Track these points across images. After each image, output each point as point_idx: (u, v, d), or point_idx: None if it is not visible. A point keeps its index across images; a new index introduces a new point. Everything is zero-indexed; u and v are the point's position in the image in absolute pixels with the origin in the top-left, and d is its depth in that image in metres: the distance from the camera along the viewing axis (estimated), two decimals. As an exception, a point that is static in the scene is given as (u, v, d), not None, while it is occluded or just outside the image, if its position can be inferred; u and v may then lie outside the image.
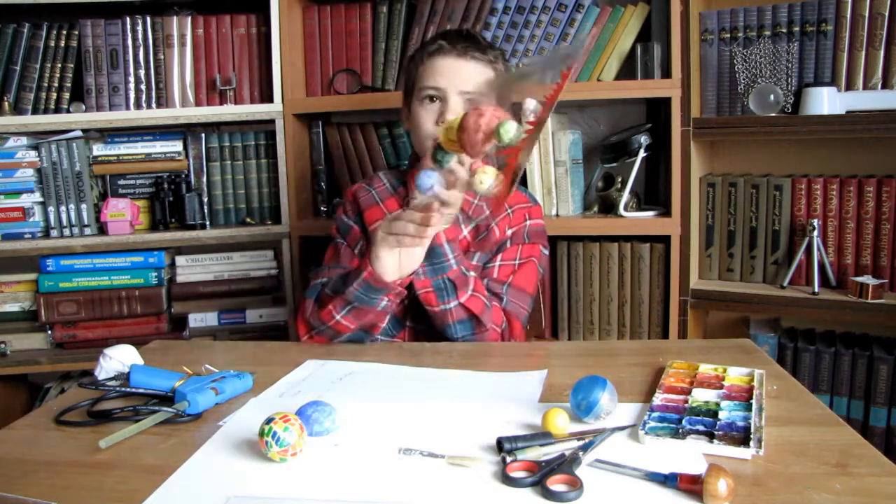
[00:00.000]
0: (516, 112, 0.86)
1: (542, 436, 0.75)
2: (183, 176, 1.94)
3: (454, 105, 1.22)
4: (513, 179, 0.86)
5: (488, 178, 0.88)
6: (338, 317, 1.16)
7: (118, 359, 1.01)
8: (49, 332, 1.93)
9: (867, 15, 1.54)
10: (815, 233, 1.60)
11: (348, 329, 1.17)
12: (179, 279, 1.95)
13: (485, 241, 1.29)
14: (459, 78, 1.23)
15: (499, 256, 1.29)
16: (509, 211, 1.31)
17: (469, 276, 1.19)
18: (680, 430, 0.76)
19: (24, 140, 1.88)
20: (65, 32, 1.88)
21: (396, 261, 1.12)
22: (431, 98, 1.24)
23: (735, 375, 0.93)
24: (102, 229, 1.91)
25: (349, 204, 1.37)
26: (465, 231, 1.29)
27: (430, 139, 1.22)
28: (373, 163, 1.87)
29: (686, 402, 0.84)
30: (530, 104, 0.96)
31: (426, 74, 1.25)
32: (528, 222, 1.33)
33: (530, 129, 0.83)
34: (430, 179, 0.95)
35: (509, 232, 1.31)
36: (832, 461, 0.69)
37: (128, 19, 1.88)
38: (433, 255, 1.17)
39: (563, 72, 0.84)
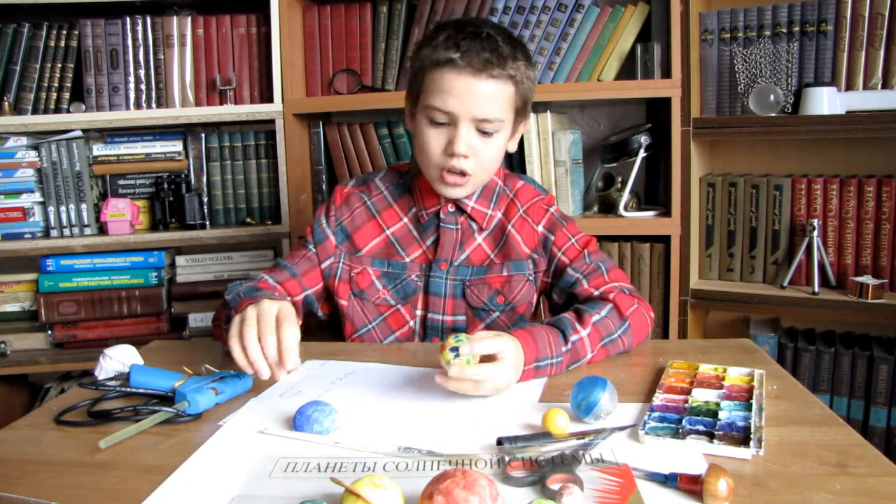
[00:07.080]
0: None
1: (542, 436, 0.75)
2: (183, 176, 1.94)
3: (464, 134, 1.07)
4: None
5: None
6: (224, 326, 1.04)
7: (118, 359, 1.01)
8: (49, 332, 1.93)
9: (867, 15, 1.54)
10: (815, 233, 1.60)
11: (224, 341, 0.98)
12: (179, 279, 1.95)
13: (507, 248, 1.19)
14: (473, 102, 1.05)
15: (557, 252, 1.19)
16: (521, 211, 1.20)
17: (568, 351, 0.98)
18: (680, 430, 0.76)
19: (24, 140, 1.88)
20: (65, 32, 1.88)
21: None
22: (439, 122, 1.08)
23: (735, 375, 0.93)
24: (102, 229, 1.91)
25: (335, 209, 1.23)
26: (480, 239, 1.20)
27: (435, 168, 1.11)
28: (373, 163, 1.87)
29: (686, 402, 0.84)
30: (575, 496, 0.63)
31: (433, 90, 1.07)
32: (551, 209, 1.22)
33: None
34: None
35: (541, 228, 1.20)
36: (832, 461, 0.69)
37: (128, 19, 1.88)
38: None
39: None
